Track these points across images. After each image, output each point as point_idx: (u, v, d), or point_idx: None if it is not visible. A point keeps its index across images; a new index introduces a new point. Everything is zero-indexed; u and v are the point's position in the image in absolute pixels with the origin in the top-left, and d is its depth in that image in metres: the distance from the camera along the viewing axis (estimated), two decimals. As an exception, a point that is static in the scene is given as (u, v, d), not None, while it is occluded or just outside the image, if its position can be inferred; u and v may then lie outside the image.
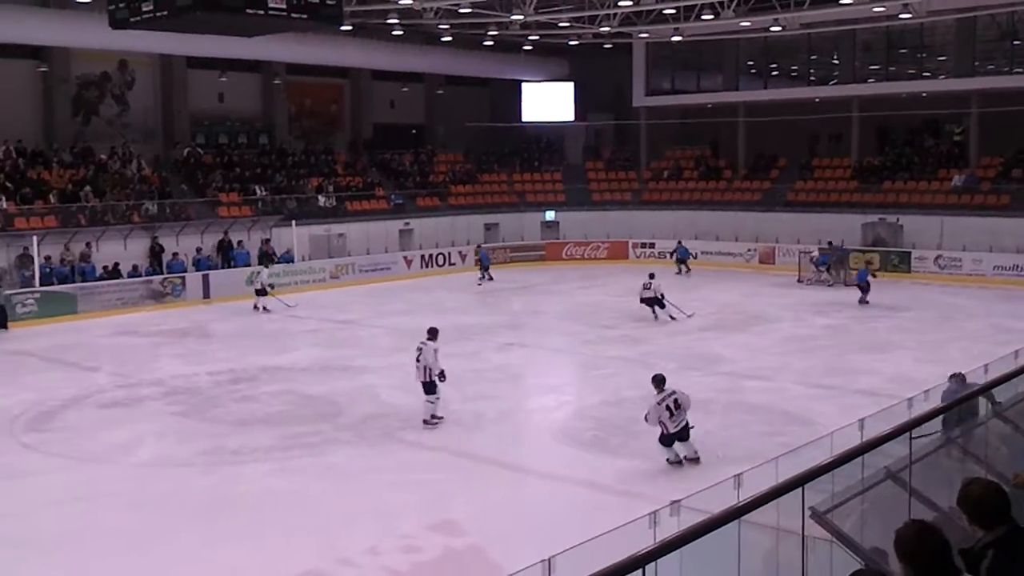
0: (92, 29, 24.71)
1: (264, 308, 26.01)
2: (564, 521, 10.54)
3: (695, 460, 12.35)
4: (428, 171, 38.56)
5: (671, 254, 33.91)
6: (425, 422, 14.24)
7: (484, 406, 15.52)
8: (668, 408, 12.14)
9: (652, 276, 23.95)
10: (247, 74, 35.65)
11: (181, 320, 24.77)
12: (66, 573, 9.51)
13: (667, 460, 12.31)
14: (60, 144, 30.59)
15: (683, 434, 12.27)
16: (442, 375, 14.23)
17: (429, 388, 14.28)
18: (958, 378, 12.05)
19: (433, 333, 14.56)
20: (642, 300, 23.50)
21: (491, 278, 30.64)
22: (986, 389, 8.57)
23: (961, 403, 8.24)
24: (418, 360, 14.22)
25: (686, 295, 27.57)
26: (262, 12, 10.26)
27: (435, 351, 14.27)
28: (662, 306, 23.38)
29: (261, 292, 26.12)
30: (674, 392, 12.31)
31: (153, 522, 10.86)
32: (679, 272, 32.17)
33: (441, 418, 14.39)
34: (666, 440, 12.26)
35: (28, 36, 27.78)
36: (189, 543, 10.20)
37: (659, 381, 12.40)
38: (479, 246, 33.30)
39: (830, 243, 30.64)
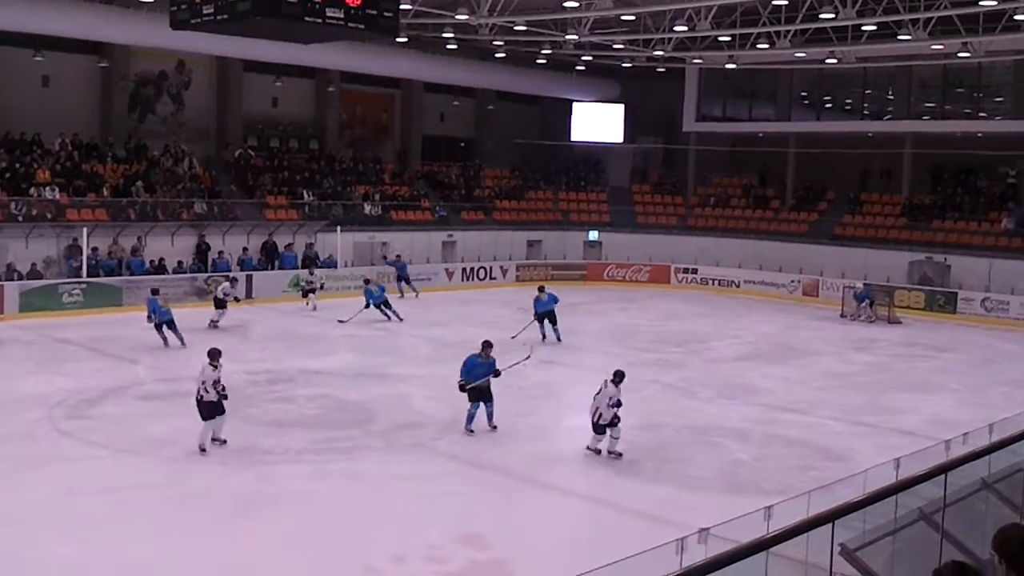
0: (153, 28, 25.14)
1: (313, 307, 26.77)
2: (591, 542, 10.53)
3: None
4: (474, 185, 38.73)
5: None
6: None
7: (519, 422, 15.50)
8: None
9: (232, 281, 25.51)
10: (301, 80, 36.06)
11: (223, 318, 25.00)
12: (94, 560, 9.62)
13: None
14: (115, 139, 31.12)
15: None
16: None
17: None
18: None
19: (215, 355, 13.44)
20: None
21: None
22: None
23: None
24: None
25: (729, 323, 27.45)
26: (320, 20, 10.39)
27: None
28: (223, 307, 24.11)
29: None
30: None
31: (183, 516, 10.98)
32: (403, 295, 29.50)
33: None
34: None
35: (90, 32, 28.30)
36: (216, 539, 10.30)
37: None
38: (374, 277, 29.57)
39: (864, 283, 30.13)
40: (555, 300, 23.24)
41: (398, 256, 31.64)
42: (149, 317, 21.42)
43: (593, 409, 13.46)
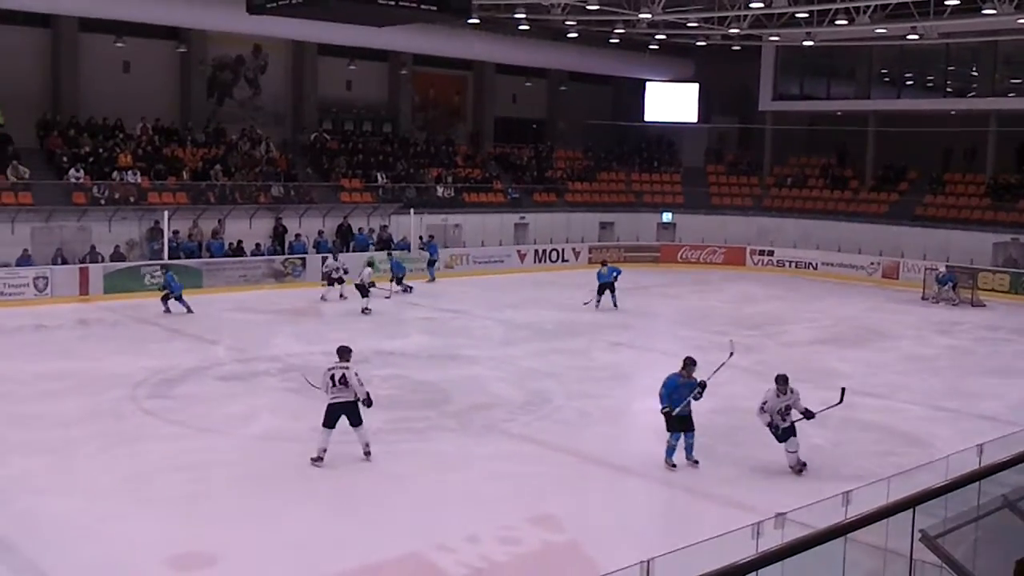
0: (230, 13, 25.51)
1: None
2: (665, 525, 10.50)
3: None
4: (546, 166, 38.66)
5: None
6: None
7: (589, 404, 15.50)
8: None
9: (371, 266, 25.09)
10: (375, 63, 36.30)
11: (299, 300, 25.41)
12: (177, 536, 9.85)
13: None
14: (194, 123, 31.72)
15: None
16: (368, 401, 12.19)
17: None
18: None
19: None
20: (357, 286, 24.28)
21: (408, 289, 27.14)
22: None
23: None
24: (344, 383, 12.09)
25: (806, 306, 27.07)
26: (393, 3, 10.47)
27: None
28: (367, 294, 24.00)
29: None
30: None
31: (262, 493, 11.18)
32: (397, 290, 26.62)
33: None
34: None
35: (169, 18, 28.88)
36: (295, 516, 10.47)
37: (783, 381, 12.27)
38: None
39: (947, 266, 29.40)
40: (616, 272, 25.39)
41: (431, 237, 31.78)
42: (170, 288, 23.05)
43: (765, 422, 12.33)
